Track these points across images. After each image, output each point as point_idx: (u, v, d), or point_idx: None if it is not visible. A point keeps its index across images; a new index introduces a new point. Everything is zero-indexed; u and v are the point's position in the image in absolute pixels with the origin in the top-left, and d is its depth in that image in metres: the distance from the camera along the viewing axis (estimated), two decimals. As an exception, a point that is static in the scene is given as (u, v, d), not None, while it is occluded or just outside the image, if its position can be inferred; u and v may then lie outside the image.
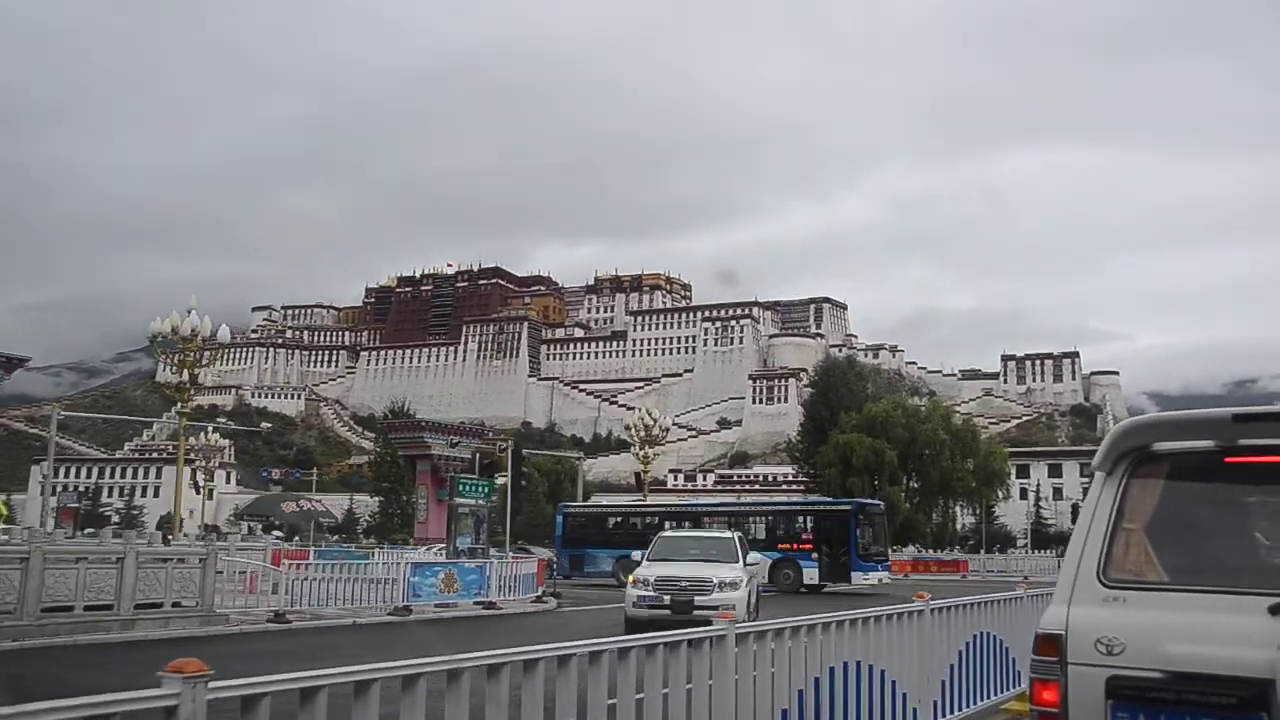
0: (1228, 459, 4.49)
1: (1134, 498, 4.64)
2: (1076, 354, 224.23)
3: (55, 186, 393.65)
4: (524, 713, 4.72)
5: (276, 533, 68.29)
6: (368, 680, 4.01)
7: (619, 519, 44.93)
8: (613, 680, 5.22)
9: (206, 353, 37.08)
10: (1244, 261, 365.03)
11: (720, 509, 48.80)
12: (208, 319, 36.35)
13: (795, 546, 38.24)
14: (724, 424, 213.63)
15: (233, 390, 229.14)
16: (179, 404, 37.04)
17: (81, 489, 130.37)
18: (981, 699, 9.74)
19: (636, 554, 34.73)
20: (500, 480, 36.63)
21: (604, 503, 57.12)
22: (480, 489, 27.84)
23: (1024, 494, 76.87)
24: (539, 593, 27.96)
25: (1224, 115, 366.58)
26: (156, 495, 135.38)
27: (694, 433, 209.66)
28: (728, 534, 20.74)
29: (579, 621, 21.48)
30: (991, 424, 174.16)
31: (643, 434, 54.98)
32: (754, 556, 19.07)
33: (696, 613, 15.35)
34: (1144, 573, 4.51)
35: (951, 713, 9.09)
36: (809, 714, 6.81)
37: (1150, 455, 4.67)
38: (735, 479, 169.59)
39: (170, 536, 28.21)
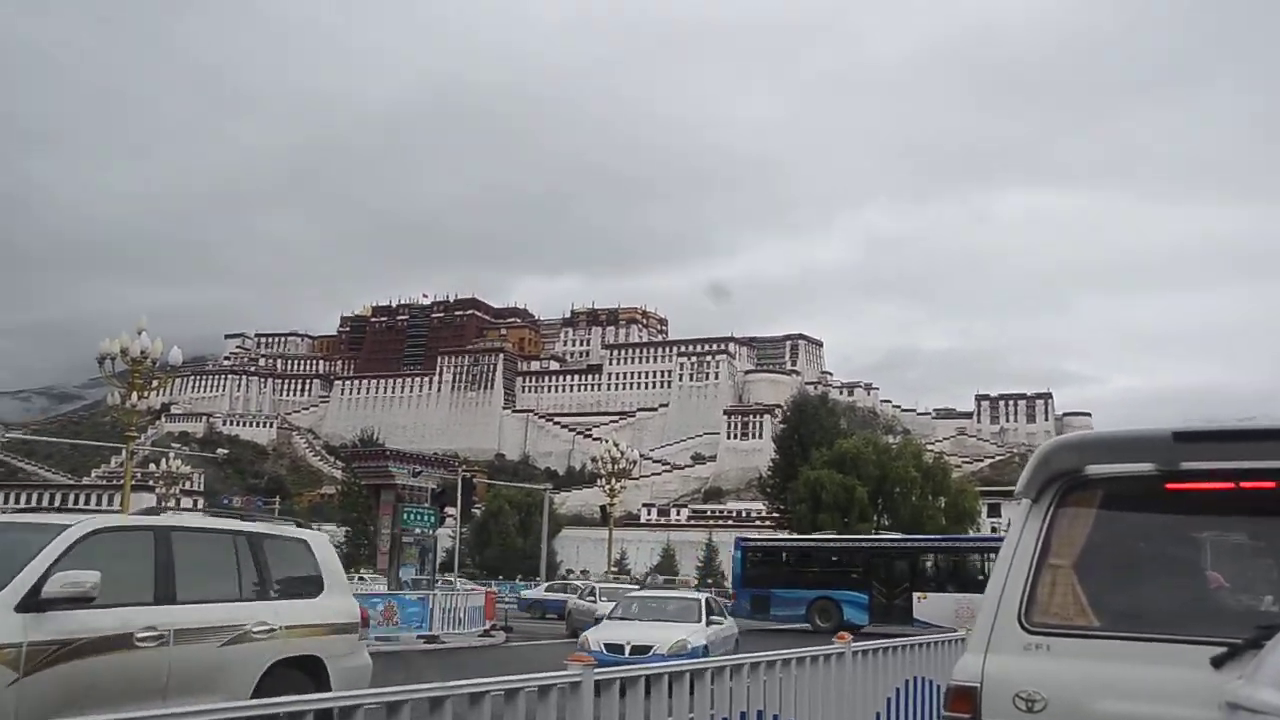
0: (1169, 485, 3.81)
1: (1062, 529, 3.97)
2: (1050, 395, 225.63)
3: (30, 210, 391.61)
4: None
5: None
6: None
7: (811, 554, 40.45)
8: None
9: (156, 377, 36.32)
10: (1216, 306, 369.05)
11: (937, 545, 43.47)
12: (159, 340, 35.46)
13: None
14: (698, 459, 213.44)
15: (203, 418, 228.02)
16: (130, 428, 36.20)
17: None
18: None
19: (837, 595, 35.28)
20: (449, 512, 35.77)
21: (792, 537, 53.16)
22: (425, 518, 27.03)
23: (993, 531, 76.64)
24: (487, 626, 27.05)
25: (1194, 161, 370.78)
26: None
27: (668, 467, 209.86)
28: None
29: (521, 657, 20.58)
30: (965, 463, 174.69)
31: (611, 467, 54.19)
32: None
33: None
34: (1071, 617, 3.85)
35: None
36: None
37: (1082, 480, 3.98)
38: (709, 514, 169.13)
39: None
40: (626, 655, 14.91)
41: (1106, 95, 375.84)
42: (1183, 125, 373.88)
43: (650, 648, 15.48)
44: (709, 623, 17.64)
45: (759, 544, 44.04)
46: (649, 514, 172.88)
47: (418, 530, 26.25)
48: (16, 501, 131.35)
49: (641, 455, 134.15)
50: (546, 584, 49.00)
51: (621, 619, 18.26)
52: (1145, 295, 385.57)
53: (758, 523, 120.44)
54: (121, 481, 40.75)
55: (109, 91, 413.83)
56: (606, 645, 15.79)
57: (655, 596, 21.78)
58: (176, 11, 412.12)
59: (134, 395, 35.47)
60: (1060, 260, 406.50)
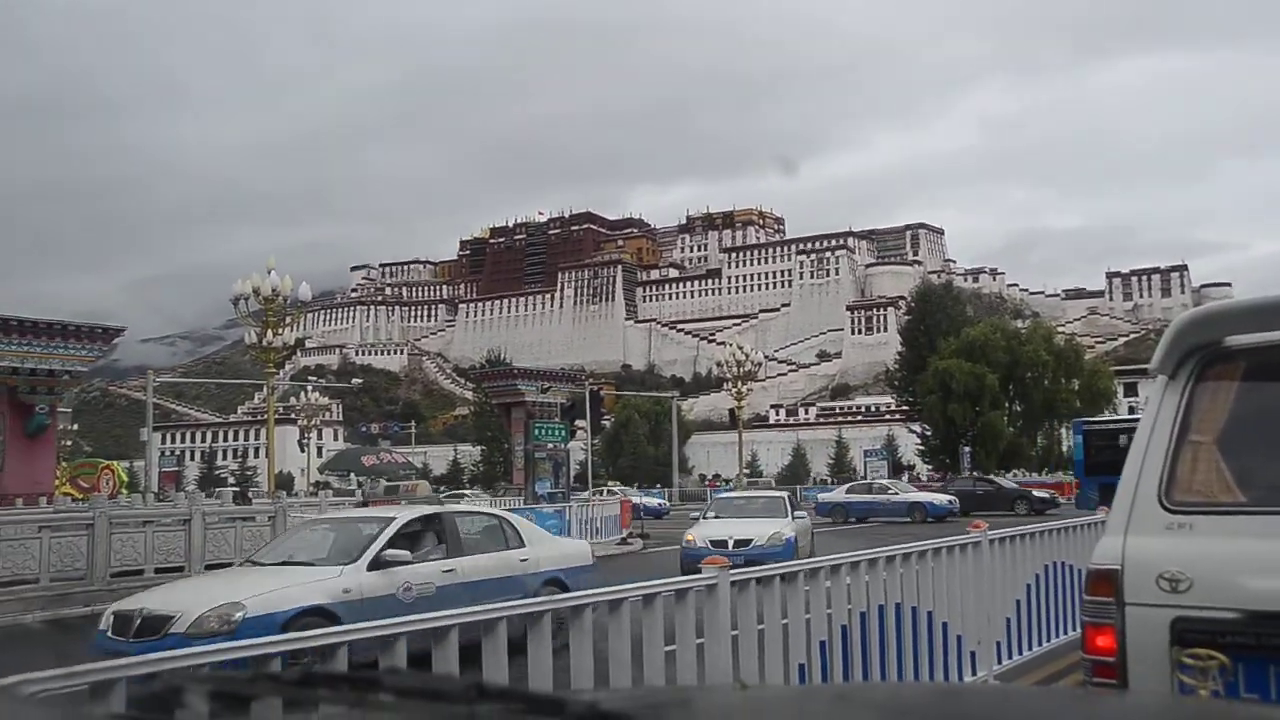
0: None
1: (1202, 404, 3.83)
2: (1185, 267, 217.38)
3: (167, 166, 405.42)
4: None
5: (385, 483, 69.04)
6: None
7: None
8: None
9: (288, 314, 37.42)
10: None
11: None
12: (288, 278, 36.48)
13: None
14: (824, 356, 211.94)
15: (337, 350, 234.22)
16: (268, 365, 37.45)
17: (197, 453, 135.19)
18: (1058, 635, 8.86)
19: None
20: (580, 425, 36.33)
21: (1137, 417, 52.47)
22: (557, 432, 27.47)
23: (1132, 412, 74.76)
24: (624, 535, 27.52)
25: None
26: (268, 455, 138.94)
27: (794, 367, 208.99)
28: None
29: (656, 562, 20.90)
30: (1098, 342, 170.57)
31: (736, 370, 54.22)
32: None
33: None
34: (1215, 494, 3.74)
35: (1020, 653, 8.25)
36: (835, 666, 6.02)
37: (1221, 352, 3.83)
38: (837, 411, 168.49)
39: (250, 494, 28.38)
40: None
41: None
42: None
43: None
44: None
45: (1101, 426, 41.10)
46: (777, 415, 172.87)
47: (550, 445, 26.69)
48: (173, 441, 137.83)
49: (766, 357, 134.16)
50: (847, 485, 47.69)
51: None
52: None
53: (886, 417, 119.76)
54: (265, 416, 42.30)
55: (233, 50, 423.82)
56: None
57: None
58: None
59: (269, 333, 36.67)
60: (1192, 124, 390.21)
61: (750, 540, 16.99)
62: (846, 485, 44.19)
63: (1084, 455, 36.63)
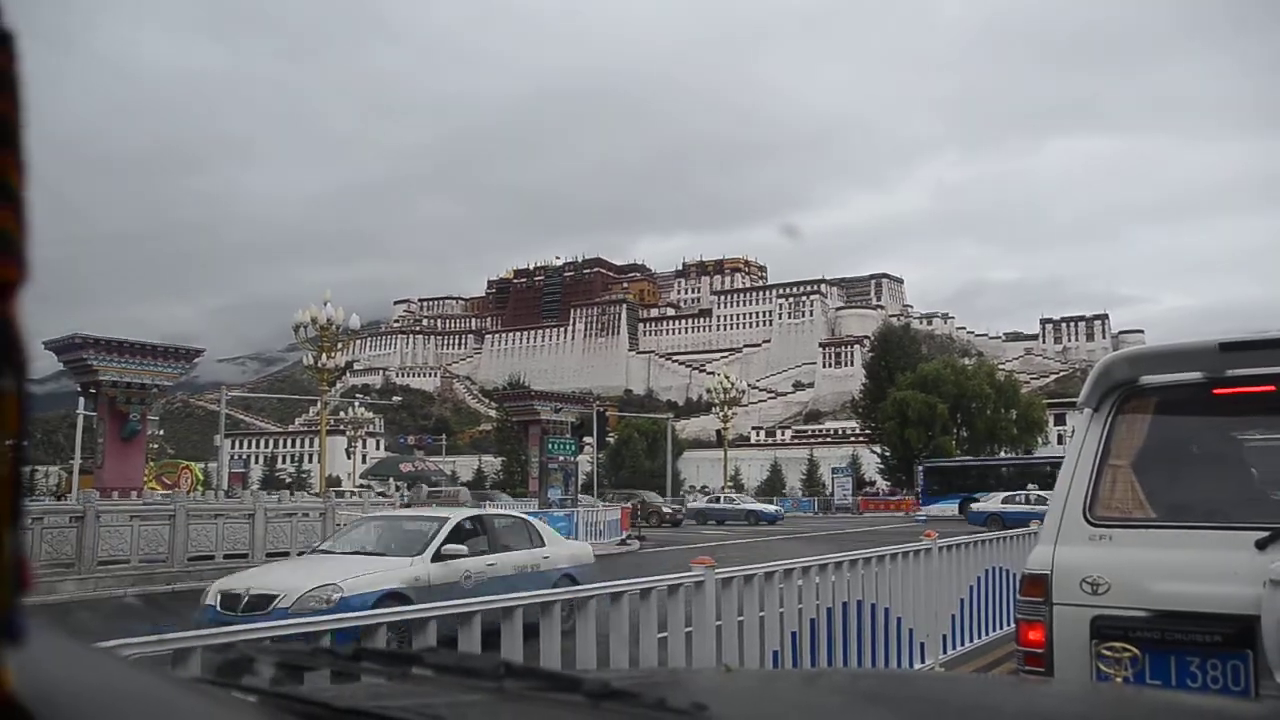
0: (1216, 390, 3.69)
1: (1121, 434, 3.85)
2: (1106, 316, 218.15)
3: (239, 209, 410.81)
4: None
5: (428, 488, 68.87)
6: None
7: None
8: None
9: (340, 340, 37.47)
10: (1256, 229, 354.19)
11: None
12: (341, 309, 36.47)
13: None
14: (799, 386, 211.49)
15: (380, 371, 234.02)
16: (322, 383, 37.46)
17: (261, 458, 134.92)
18: (995, 629, 8.83)
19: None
20: (587, 441, 36.33)
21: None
22: (567, 447, 27.39)
23: (1060, 439, 74.63)
24: (623, 536, 27.40)
25: (1235, 100, 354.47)
26: (320, 461, 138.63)
27: (772, 394, 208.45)
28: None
29: (649, 561, 20.79)
30: (1033, 378, 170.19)
31: (723, 396, 54.07)
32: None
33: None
34: (1131, 510, 3.74)
35: (963, 644, 8.22)
36: (804, 653, 6.01)
37: (1138, 390, 3.86)
38: (810, 433, 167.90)
39: (297, 494, 28.30)
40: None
41: (1145, 49, 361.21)
42: (1220, 70, 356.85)
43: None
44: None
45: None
46: (758, 435, 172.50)
47: (561, 457, 26.60)
48: (241, 447, 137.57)
49: (749, 385, 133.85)
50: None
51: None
52: (1190, 222, 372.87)
53: (852, 439, 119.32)
54: (318, 427, 42.29)
55: (292, 111, 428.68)
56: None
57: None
58: (346, 36, 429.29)
59: (324, 356, 36.70)
60: (1111, 195, 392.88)
61: (274, 598, 8.61)
62: (708, 496, 49.76)
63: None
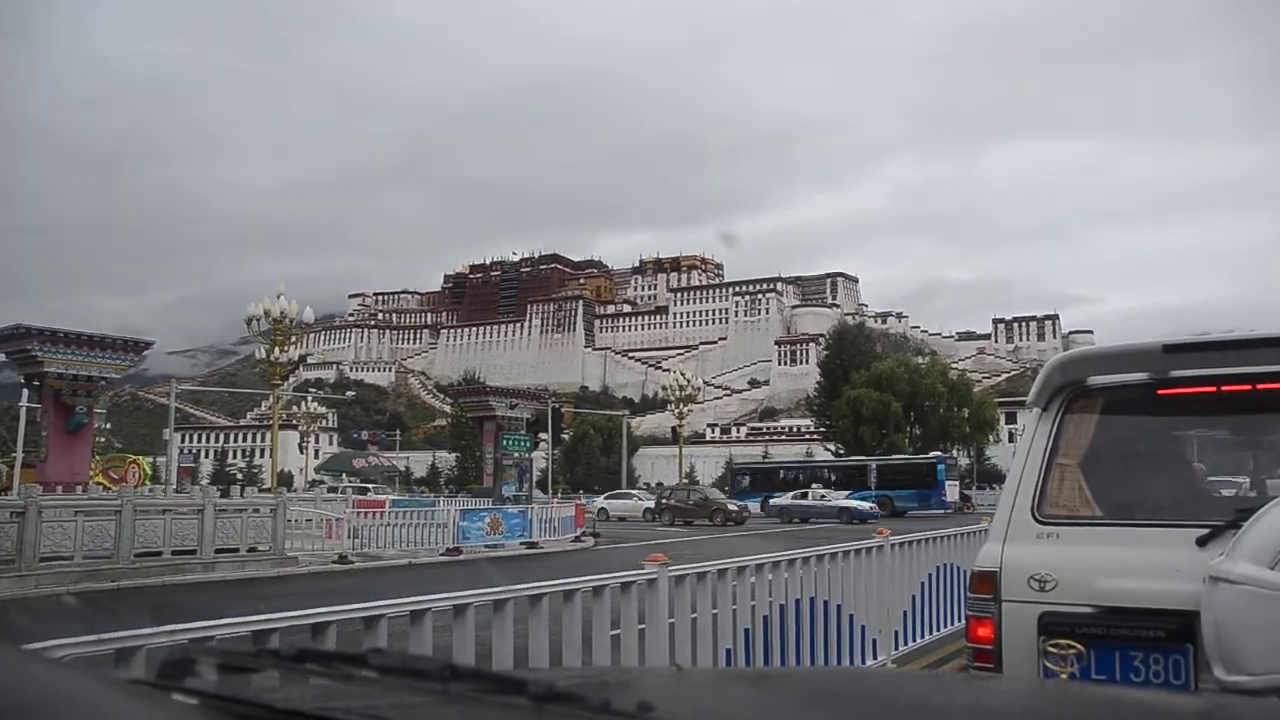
0: (1160, 391, 3.73)
1: (1069, 433, 3.88)
2: (1056, 316, 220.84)
3: (194, 201, 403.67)
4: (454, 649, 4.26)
5: (371, 485, 68.34)
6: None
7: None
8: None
9: (293, 333, 37.03)
10: (1206, 233, 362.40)
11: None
12: (294, 302, 36.09)
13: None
14: (754, 384, 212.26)
15: (334, 366, 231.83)
16: (275, 377, 37.00)
17: (211, 452, 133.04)
18: (946, 625, 8.91)
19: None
20: (543, 437, 36.18)
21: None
22: (522, 443, 27.29)
23: (1011, 437, 75.77)
24: (578, 533, 27.35)
25: (1180, 110, 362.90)
26: (271, 456, 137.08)
27: (728, 392, 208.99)
28: None
29: (604, 558, 20.80)
30: (985, 378, 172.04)
31: (678, 393, 54.14)
32: None
33: None
34: (1077, 508, 3.77)
35: (914, 640, 8.28)
36: (757, 651, 6.02)
37: (1085, 390, 3.90)
38: (765, 430, 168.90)
39: (248, 490, 27.98)
40: None
41: (1101, 55, 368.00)
42: (1170, 79, 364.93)
43: None
44: None
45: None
46: (713, 432, 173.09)
47: (516, 454, 26.51)
48: (191, 441, 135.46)
49: (705, 382, 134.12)
50: (606, 493, 51.99)
51: None
52: (1138, 226, 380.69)
53: (807, 436, 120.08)
54: (270, 422, 41.81)
55: (255, 101, 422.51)
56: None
57: None
58: (313, 30, 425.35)
59: (276, 349, 36.27)
60: (1063, 198, 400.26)
61: None
62: (793, 492, 48.28)
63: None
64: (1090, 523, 3.71)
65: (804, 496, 43.70)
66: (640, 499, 44.34)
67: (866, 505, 41.35)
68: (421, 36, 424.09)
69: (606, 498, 46.79)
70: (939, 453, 55.37)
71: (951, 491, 49.60)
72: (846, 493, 44.85)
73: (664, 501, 41.44)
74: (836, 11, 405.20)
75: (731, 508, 39.73)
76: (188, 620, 3.38)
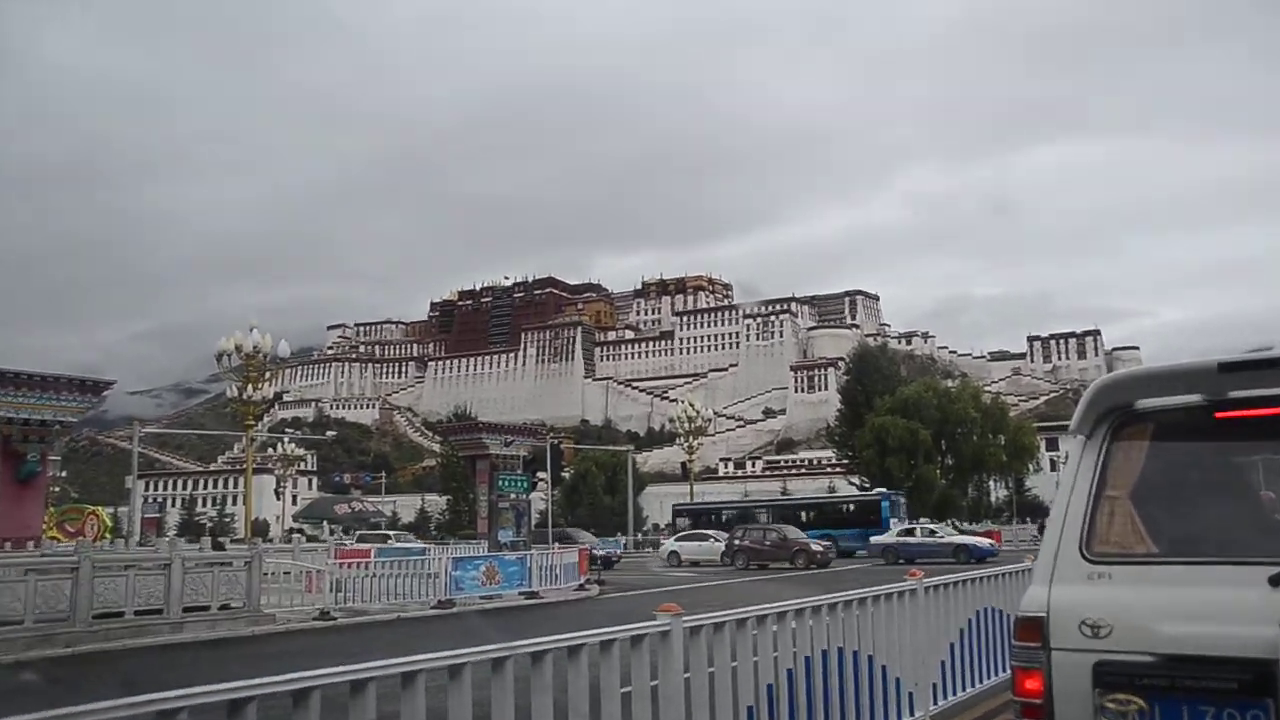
0: (1218, 414, 3.70)
1: (1117, 462, 3.85)
2: (1098, 332, 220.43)
3: (158, 229, 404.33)
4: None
5: (344, 534, 68.24)
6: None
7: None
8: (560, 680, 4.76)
9: (268, 369, 37.08)
10: (1257, 237, 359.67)
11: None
12: (268, 336, 36.25)
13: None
14: (769, 413, 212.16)
15: (312, 403, 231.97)
16: (248, 417, 37.04)
17: (179, 500, 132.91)
18: (989, 677, 8.81)
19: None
20: (541, 477, 36.10)
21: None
22: (519, 483, 27.24)
23: (1053, 465, 75.38)
24: (581, 581, 27.19)
25: (1227, 102, 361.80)
26: (245, 503, 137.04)
27: (741, 422, 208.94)
28: None
29: (609, 608, 20.68)
30: (1021, 401, 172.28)
31: (687, 425, 54.21)
32: None
33: None
34: (1131, 545, 3.74)
35: (954, 694, 8.18)
36: (781, 708, 5.95)
37: (1133, 414, 3.86)
38: (782, 464, 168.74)
39: (224, 541, 27.89)
40: None
41: (1137, 47, 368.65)
42: (1213, 69, 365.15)
43: None
44: None
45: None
46: (726, 467, 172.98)
47: (512, 495, 26.43)
48: (155, 489, 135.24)
49: (715, 413, 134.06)
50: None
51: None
52: (1185, 232, 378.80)
53: (828, 469, 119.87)
54: (244, 466, 41.77)
55: (221, 119, 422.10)
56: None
57: None
58: (285, 46, 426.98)
59: (249, 387, 36.33)
60: (1100, 205, 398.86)
61: None
62: (899, 529, 46.85)
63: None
64: (1146, 561, 3.66)
65: (910, 534, 41.36)
66: (716, 540, 42.65)
67: (986, 543, 39.37)
68: (404, 45, 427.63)
69: (678, 539, 45.70)
70: (883, 489, 54.23)
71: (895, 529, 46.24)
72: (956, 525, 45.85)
73: (737, 543, 39.76)
74: (846, 13, 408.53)
75: (816, 549, 38.09)
76: (155, 689, 3.32)
